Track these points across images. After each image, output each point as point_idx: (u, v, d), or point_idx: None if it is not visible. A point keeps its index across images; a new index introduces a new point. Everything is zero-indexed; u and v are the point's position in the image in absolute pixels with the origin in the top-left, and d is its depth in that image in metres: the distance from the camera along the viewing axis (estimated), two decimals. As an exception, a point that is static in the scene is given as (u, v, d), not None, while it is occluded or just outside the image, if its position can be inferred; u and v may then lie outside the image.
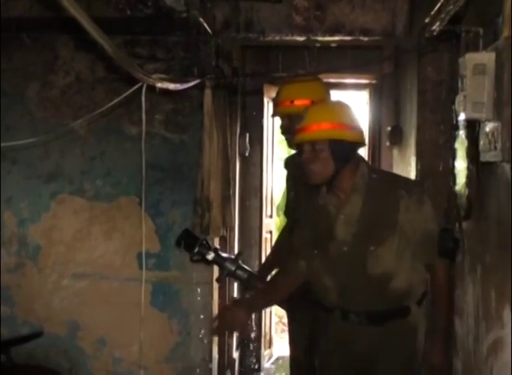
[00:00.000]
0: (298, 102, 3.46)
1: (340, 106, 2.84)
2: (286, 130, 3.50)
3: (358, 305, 2.77)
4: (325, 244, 2.81)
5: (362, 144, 2.80)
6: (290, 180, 3.69)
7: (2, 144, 3.35)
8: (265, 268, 3.94)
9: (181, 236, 3.66)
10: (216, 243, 4.31)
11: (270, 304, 3.36)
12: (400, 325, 2.77)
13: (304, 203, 3.01)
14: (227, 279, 3.94)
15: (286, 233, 3.75)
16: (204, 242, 3.58)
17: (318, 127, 2.68)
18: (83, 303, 4.32)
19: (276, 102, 3.61)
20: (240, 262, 3.63)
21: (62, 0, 2.02)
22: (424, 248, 2.75)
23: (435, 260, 2.78)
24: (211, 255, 3.55)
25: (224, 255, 3.67)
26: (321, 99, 3.51)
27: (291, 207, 3.61)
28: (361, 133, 2.79)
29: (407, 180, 2.96)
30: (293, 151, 3.78)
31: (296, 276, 2.95)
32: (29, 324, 4.31)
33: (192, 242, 3.58)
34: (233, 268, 3.57)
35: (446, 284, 2.81)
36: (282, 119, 3.53)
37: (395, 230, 2.69)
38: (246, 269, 3.64)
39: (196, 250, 3.55)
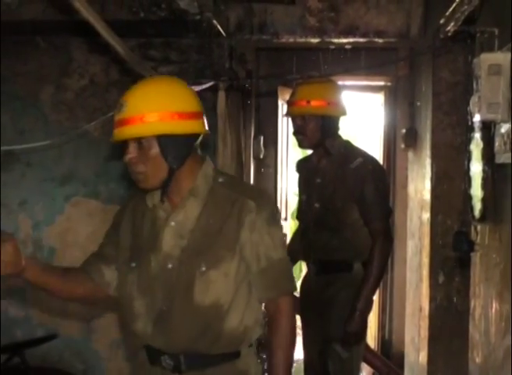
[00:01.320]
0: (314, 103, 3.45)
1: (173, 87, 2.13)
2: (299, 131, 3.49)
3: (175, 344, 2.10)
4: (146, 256, 2.15)
5: (200, 135, 2.14)
6: (302, 183, 3.67)
7: (17, 147, 3.35)
8: None
9: None
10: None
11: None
12: (227, 371, 2.16)
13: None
14: None
15: (296, 236, 3.74)
16: None
17: (141, 120, 2.03)
18: (97, 305, 4.32)
19: (291, 102, 3.59)
20: None
21: (76, 3, 2.03)
22: (265, 281, 2.15)
23: (279, 298, 2.16)
24: None
25: None
26: (336, 101, 3.50)
27: (303, 210, 3.60)
28: (200, 121, 2.12)
29: (260, 192, 2.26)
30: (308, 152, 3.77)
31: (97, 285, 2.24)
32: (43, 326, 4.32)
33: None
34: None
35: (288, 330, 2.16)
36: (296, 119, 3.52)
37: (234, 250, 2.09)
38: None
39: None
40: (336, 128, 3.50)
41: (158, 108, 2.03)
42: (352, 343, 3.28)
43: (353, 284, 3.33)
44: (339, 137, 3.51)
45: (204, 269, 2.07)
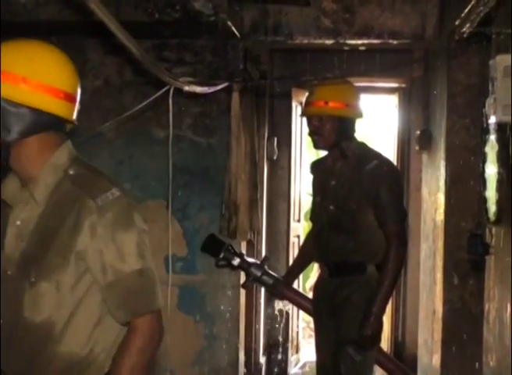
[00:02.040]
0: (333, 104, 3.44)
1: (39, 54, 1.80)
2: (315, 132, 3.47)
3: (12, 368, 1.81)
4: None
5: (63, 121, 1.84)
6: (316, 185, 3.67)
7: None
8: (291, 274, 3.93)
9: (206, 241, 3.66)
10: (243, 247, 4.30)
11: None
12: None
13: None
14: (253, 284, 3.93)
15: (310, 238, 3.73)
16: (230, 247, 3.58)
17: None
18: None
19: (308, 102, 3.57)
20: (265, 267, 3.62)
21: (91, 4, 2.03)
22: (114, 299, 1.77)
23: (132, 318, 1.79)
24: (236, 261, 3.55)
25: (250, 260, 3.66)
26: (354, 103, 3.49)
27: (317, 212, 3.59)
28: (59, 102, 1.79)
29: (105, 185, 1.79)
30: (322, 154, 3.75)
31: None
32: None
33: (217, 247, 3.58)
34: (259, 273, 3.56)
35: (137, 353, 1.77)
36: (312, 119, 3.50)
37: (68, 259, 1.73)
38: (271, 275, 3.63)
39: (221, 255, 3.55)
40: (353, 130, 3.49)
41: (4, 67, 1.71)
42: (367, 347, 3.27)
43: (366, 287, 3.32)
44: (355, 138, 3.50)
45: (33, 279, 1.74)
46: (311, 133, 3.52)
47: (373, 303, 3.21)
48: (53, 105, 1.76)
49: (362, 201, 3.33)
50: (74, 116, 1.86)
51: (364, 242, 3.37)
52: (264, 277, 3.58)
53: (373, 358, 3.47)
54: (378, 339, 3.34)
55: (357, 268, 3.40)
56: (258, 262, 3.66)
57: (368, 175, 3.33)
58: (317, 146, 3.52)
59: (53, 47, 1.85)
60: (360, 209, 3.34)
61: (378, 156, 3.44)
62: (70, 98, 1.81)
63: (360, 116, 3.53)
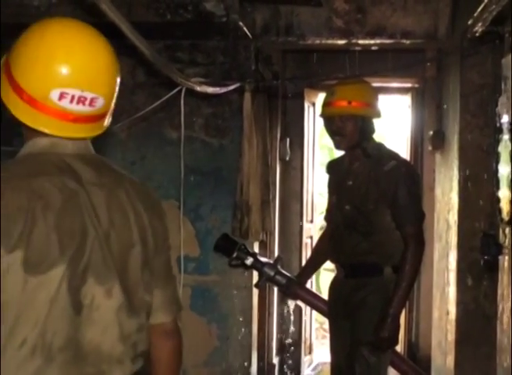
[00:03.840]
0: (356, 103, 3.42)
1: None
2: (337, 132, 3.44)
3: None
4: None
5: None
6: (332, 185, 3.65)
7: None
8: (304, 274, 3.92)
9: (219, 240, 3.66)
10: (256, 247, 4.30)
11: None
12: None
13: None
14: (266, 284, 3.92)
15: (325, 238, 3.72)
16: (243, 247, 3.57)
17: None
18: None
19: (328, 102, 3.52)
20: (279, 267, 3.62)
21: (102, 5, 2.04)
22: None
23: None
24: (249, 260, 3.54)
25: (263, 259, 3.65)
26: (374, 103, 3.48)
27: (333, 212, 3.58)
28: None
29: None
30: (338, 153, 3.72)
31: None
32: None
33: (231, 247, 3.58)
34: (272, 273, 3.56)
35: None
36: (334, 120, 3.45)
37: None
38: (285, 275, 3.62)
39: (235, 255, 3.55)
40: (373, 130, 3.48)
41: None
42: (384, 348, 3.25)
43: (383, 288, 3.30)
44: (373, 139, 3.48)
45: None
46: (332, 134, 3.47)
47: (390, 304, 3.19)
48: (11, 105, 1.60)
49: (379, 201, 3.31)
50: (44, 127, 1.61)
51: (379, 243, 3.35)
52: (278, 277, 3.57)
53: (387, 360, 3.45)
54: (395, 341, 3.32)
55: (373, 269, 3.38)
56: (271, 261, 3.65)
57: (385, 176, 3.30)
58: (339, 147, 3.48)
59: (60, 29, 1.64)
60: (378, 210, 3.33)
61: (396, 157, 3.42)
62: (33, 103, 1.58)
63: (379, 115, 3.51)
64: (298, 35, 4.22)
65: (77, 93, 1.60)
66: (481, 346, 3.86)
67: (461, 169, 3.90)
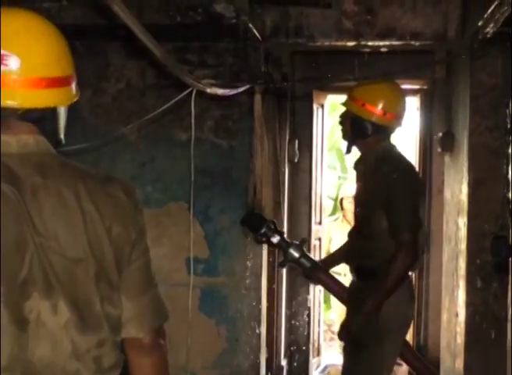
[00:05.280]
0: (350, 101, 3.52)
1: None
2: (339, 122, 3.57)
3: None
4: None
5: None
6: (359, 181, 3.63)
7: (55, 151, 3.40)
8: (329, 260, 3.91)
9: (248, 215, 3.62)
10: (265, 249, 4.30)
11: None
12: None
13: None
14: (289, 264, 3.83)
15: (353, 232, 3.66)
16: (272, 224, 3.54)
17: None
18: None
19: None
20: (304, 249, 3.57)
21: (114, 7, 2.04)
22: None
23: None
24: (276, 238, 3.50)
25: (289, 240, 3.61)
26: (374, 105, 3.48)
27: (353, 212, 3.61)
28: None
29: None
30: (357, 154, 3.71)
31: None
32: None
33: (259, 223, 3.54)
34: (298, 255, 3.50)
35: None
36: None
37: None
38: (310, 258, 3.56)
39: (262, 231, 3.50)
40: (365, 132, 3.43)
41: None
42: (343, 338, 3.36)
43: None
44: (384, 141, 3.45)
45: None
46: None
47: (365, 303, 3.19)
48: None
49: (376, 206, 3.28)
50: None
51: (376, 248, 3.31)
52: (303, 260, 3.50)
53: (388, 359, 3.41)
54: (360, 340, 3.29)
55: (369, 274, 3.35)
56: (297, 242, 3.59)
57: (380, 181, 3.27)
58: (343, 137, 3.65)
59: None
60: (375, 215, 3.29)
61: (392, 161, 3.36)
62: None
63: (378, 120, 3.44)
64: (307, 37, 4.21)
65: None
66: (491, 348, 3.85)
67: (471, 170, 3.89)
